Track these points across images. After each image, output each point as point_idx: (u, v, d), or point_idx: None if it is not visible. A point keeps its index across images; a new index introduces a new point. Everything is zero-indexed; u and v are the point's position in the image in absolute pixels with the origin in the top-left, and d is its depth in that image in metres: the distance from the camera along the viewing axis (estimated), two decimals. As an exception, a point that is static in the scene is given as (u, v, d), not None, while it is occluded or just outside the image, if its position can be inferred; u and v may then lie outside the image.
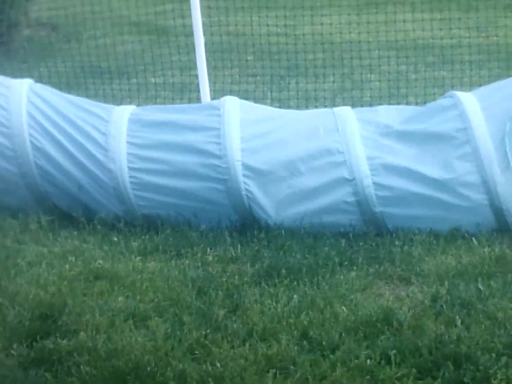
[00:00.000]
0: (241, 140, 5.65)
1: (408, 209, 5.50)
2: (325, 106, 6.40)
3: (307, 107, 6.58)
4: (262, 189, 5.57)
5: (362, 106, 6.16)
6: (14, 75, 6.26)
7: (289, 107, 6.68)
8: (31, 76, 6.32)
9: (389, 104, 6.23)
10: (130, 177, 5.65)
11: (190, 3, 6.80)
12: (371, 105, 6.26)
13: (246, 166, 5.57)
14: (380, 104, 6.41)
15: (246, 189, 5.55)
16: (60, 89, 6.34)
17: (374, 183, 5.49)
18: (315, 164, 5.59)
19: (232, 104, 5.84)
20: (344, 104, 6.29)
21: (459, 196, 5.46)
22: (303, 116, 6.04)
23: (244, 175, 5.55)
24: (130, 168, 5.66)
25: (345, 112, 5.79)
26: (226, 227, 5.56)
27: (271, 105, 6.54)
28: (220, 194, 5.60)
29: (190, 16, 6.86)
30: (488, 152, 5.45)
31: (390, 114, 5.80)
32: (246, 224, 5.56)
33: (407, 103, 6.56)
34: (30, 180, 5.75)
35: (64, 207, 5.76)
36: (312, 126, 5.78)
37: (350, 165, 5.53)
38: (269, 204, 5.57)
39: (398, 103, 6.46)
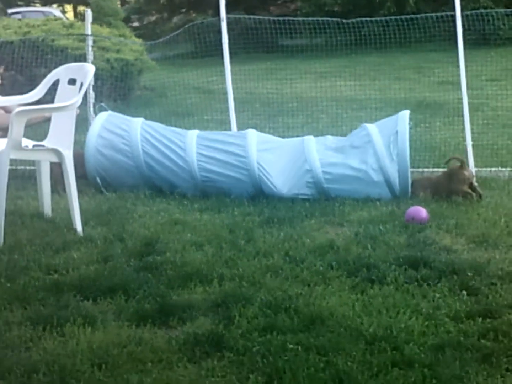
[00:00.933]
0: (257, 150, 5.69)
1: (342, 185, 5.53)
2: (298, 133, 6.41)
3: (288, 134, 6.61)
4: (266, 174, 5.58)
5: (317, 133, 6.13)
6: (131, 116, 6.26)
7: (277, 133, 6.67)
8: (141, 116, 6.30)
9: (331, 130, 6.21)
10: (198, 165, 5.68)
11: (225, 76, 6.79)
12: (322, 132, 6.26)
13: (258, 163, 5.61)
14: (327, 130, 6.40)
15: (258, 174, 5.57)
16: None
17: (323, 171, 5.53)
18: (293, 163, 5.63)
19: (252, 133, 5.90)
20: (306, 131, 6.29)
21: (369, 177, 5.51)
22: (289, 140, 6.06)
23: (258, 168, 5.58)
24: (198, 160, 5.70)
25: (309, 138, 5.86)
26: (245, 197, 5.54)
27: (268, 132, 6.52)
28: (245, 176, 5.61)
29: (225, 83, 6.82)
30: (382, 153, 5.51)
31: (332, 140, 5.87)
32: (255, 196, 5.56)
33: (342, 130, 6.53)
34: (140, 170, 5.77)
35: (158, 185, 5.75)
36: (293, 145, 5.84)
37: (310, 162, 5.58)
38: (270, 182, 5.58)
39: (337, 130, 6.43)
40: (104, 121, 5.95)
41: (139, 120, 6.03)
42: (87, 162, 5.78)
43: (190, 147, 5.75)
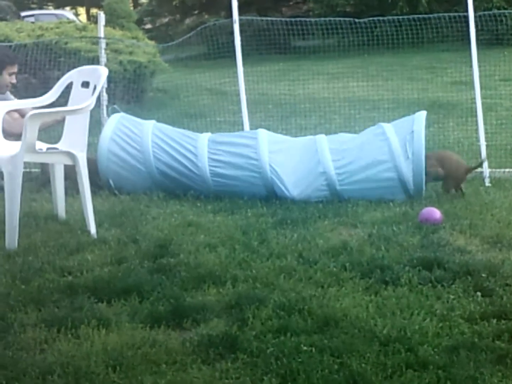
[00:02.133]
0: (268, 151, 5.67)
1: (355, 186, 5.49)
2: (311, 134, 6.37)
3: (301, 135, 6.58)
4: (279, 176, 5.56)
5: (330, 133, 6.11)
6: (144, 118, 6.28)
7: (290, 134, 6.66)
8: (153, 118, 6.32)
9: (344, 130, 6.21)
10: (209, 169, 5.66)
11: (238, 78, 6.80)
12: (335, 132, 6.23)
13: (270, 164, 5.59)
14: (340, 131, 6.39)
15: (271, 176, 5.55)
16: (169, 125, 6.31)
17: (336, 173, 5.50)
18: (306, 164, 5.61)
19: (263, 133, 5.87)
20: (319, 132, 6.27)
21: (383, 175, 5.48)
22: (300, 140, 6.03)
23: (270, 170, 5.56)
24: (209, 165, 5.67)
25: (321, 137, 5.84)
26: (258, 198, 5.53)
27: (281, 133, 6.51)
28: (257, 179, 5.59)
29: (238, 84, 6.83)
30: (397, 151, 5.47)
31: (344, 138, 5.84)
32: (268, 197, 5.56)
33: (355, 131, 6.51)
34: (152, 175, 5.77)
35: (171, 188, 5.76)
36: (304, 145, 5.82)
37: (323, 164, 5.56)
38: (282, 184, 5.56)
39: (350, 131, 6.43)
40: (116, 124, 5.96)
41: (151, 124, 6.03)
42: (100, 164, 5.79)
43: (201, 152, 5.72)
